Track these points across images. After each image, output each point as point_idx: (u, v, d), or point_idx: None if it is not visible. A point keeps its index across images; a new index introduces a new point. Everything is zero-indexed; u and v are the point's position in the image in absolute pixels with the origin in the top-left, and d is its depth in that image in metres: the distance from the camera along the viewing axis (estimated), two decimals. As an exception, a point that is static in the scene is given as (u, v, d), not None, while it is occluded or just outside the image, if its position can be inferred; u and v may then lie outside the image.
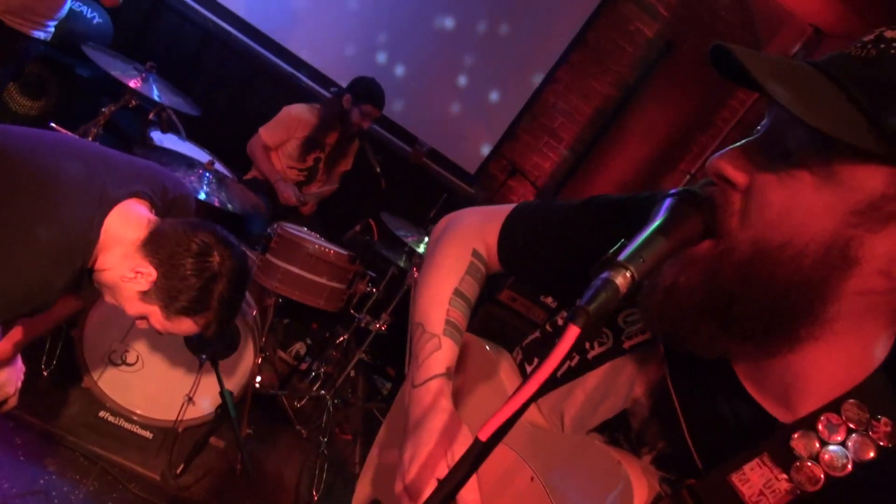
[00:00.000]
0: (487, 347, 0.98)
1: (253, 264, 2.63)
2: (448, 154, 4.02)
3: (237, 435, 2.21)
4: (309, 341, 3.20)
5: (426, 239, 2.89)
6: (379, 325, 2.81)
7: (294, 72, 3.67)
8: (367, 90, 3.24)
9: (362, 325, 2.86)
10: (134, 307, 1.41)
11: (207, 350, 2.32)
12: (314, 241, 2.60)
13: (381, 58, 3.74)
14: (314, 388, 2.91)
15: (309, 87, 3.66)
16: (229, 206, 2.53)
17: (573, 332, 0.51)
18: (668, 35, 3.93)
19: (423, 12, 3.77)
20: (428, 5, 3.78)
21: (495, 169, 4.14)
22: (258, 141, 3.25)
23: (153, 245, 1.36)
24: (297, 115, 3.27)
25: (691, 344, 0.62)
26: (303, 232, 2.70)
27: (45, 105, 2.97)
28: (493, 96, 3.99)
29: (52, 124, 2.54)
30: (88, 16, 3.02)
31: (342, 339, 3.00)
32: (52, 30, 2.46)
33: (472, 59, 3.89)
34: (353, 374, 3.13)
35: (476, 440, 0.55)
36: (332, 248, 2.61)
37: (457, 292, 0.93)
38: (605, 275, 0.54)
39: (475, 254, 0.96)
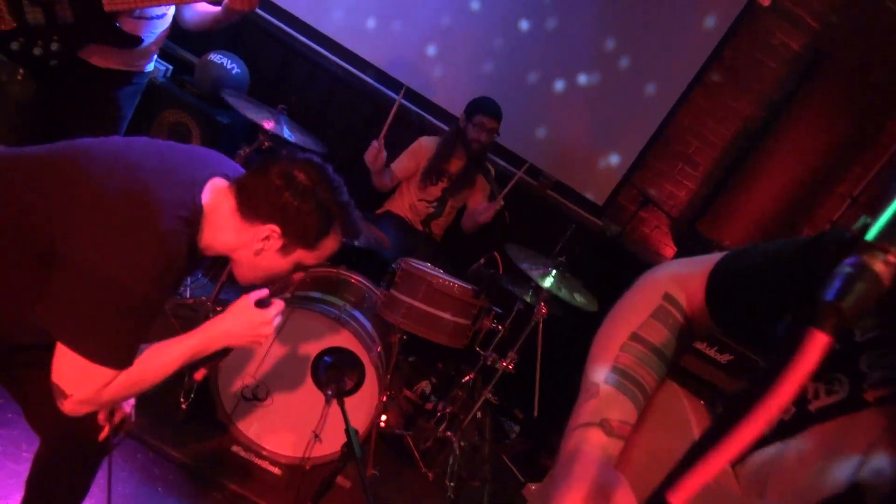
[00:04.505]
0: (682, 398, 0.81)
1: (378, 300, 2.60)
2: (574, 185, 3.86)
3: (362, 475, 2.13)
4: (434, 380, 3.11)
5: (553, 272, 2.73)
6: (506, 364, 2.67)
7: (420, 111, 3.70)
8: (476, 103, 3.20)
9: (488, 363, 2.72)
10: (285, 265, 1.42)
11: (333, 385, 2.29)
12: (438, 275, 2.52)
13: (504, 90, 3.68)
14: (440, 429, 2.80)
15: (438, 126, 3.67)
16: (355, 241, 2.52)
17: (820, 342, 0.35)
18: (817, 46, 3.58)
19: (544, 42, 3.69)
20: (548, 33, 3.70)
21: (626, 199, 3.92)
22: (392, 175, 3.29)
23: (248, 204, 1.34)
24: (426, 145, 3.30)
25: None
26: (427, 267, 2.64)
27: (190, 152, 3.16)
28: (622, 123, 3.80)
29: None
30: (228, 67, 3.22)
31: (468, 378, 2.87)
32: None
33: (597, 86, 3.74)
34: (479, 415, 2.99)
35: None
36: (457, 283, 2.52)
37: (634, 336, 0.78)
38: (852, 260, 0.37)
39: (667, 297, 0.81)
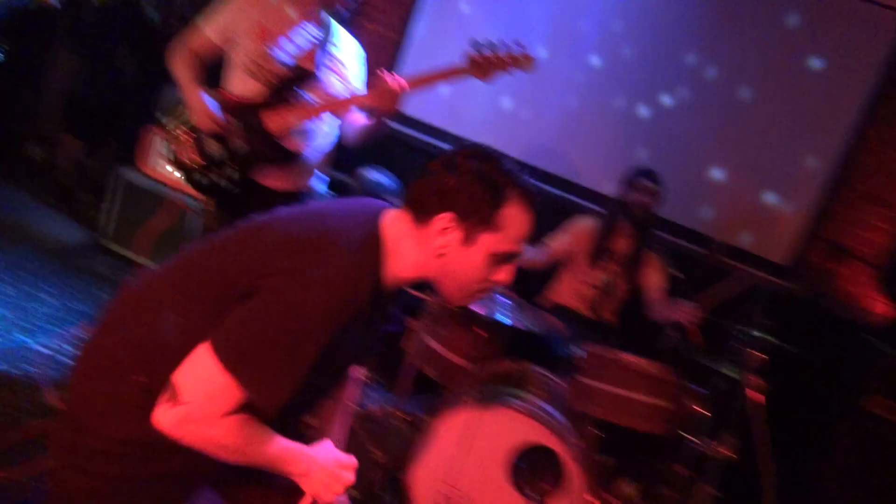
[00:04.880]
0: None
1: (564, 391, 2.40)
2: (750, 248, 3.52)
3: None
4: (636, 481, 2.77)
5: (758, 334, 2.39)
6: (725, 451, 2.31)
7: (561, 192, 3.63)
8: (634, 170, 3.06)
9: (702, 450, 2.37)
10: (477, 259, 1.22)
11: (535, 487, 2.07)
12: (629, 355, 2.29)
13: (659, 159, 3.52)
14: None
15: (582, 205, 3.56)
16: (534, 328, 2.38)
17: None
18: None
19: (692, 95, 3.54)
20: (693, 79, 3.56)
21: (814, 255, 3.49)
22: (546, 250, 3.13)
23: (419, 208, 1.23)
24: (584, 224, 3.13)
25: None
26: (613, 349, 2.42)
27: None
28: (791, 174, 3.48)
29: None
30: (381, 180, 3.35)
31: (680, 473, 2.51)
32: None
33: (755, 136, 3.49)
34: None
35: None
36: (649, 360, 2.28)
37: None
38: None
39: None
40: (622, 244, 3.06)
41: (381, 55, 3.88)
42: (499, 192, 1.20)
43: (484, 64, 2.15)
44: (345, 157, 2.98)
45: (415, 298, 2.69)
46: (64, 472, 1.22)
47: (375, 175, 3.37)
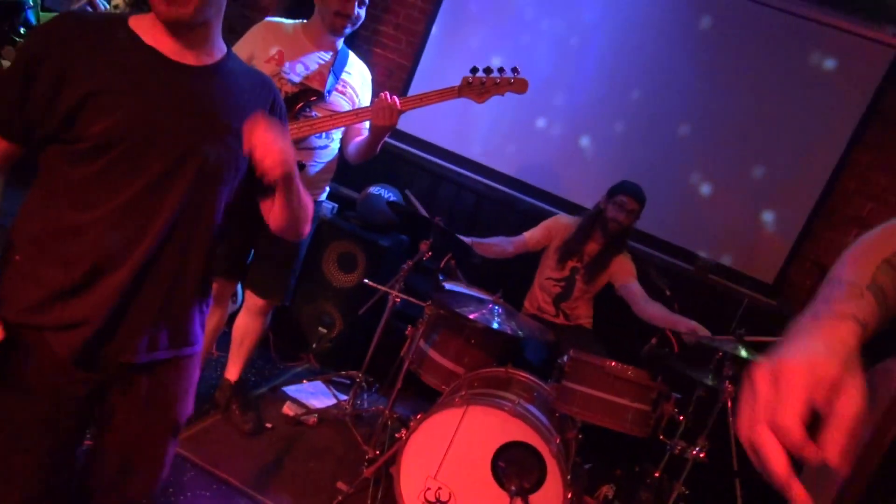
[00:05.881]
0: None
1: (549, 395, 2.55)
2: (736, 266, 3.67)
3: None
4: (615, 484, 2.91)
5: (742, 350, 2.53)
6: (696, 452, 2.45)
7: (550, 207, 3.79)
8: (619, 184, 3.17)
9: (676, 451, 2.52)
10: None
11: (515, 482, 2.23)
12: (611, 360, 2.45)
13: (650, 179, 3.70)
14: (632, 535, 2.58)
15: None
16: (520, 332, 2.54)
17: None
18: None
19: (688, 117, 3.71)
20: (689, 107, 3.73)
21: (798, 274, 3.64)
22: (520, 241, 3.29)
23: None
24: (561, 221, 3.30)
25: None
26: (597, 354, 2.58)
27: (358, 276, 3.43)
28: (778, 195, 3.63)
29: (366, 280, 2.91)
30: (385, 195, 3.54)
31: (655, 475, 2.66)
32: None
33: (748, 159, 3.65)
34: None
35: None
36: (630, 367, 2.43)
37: (887, 262, 0.76)
38: None
39: None
40: (592, 247, 3.21)
41: (394, 81, 4.11)
42: None
43: (478, 86, 2.37)
44: (351, 173, 3.18)
45: (414, 307, 2.87)
46: None
47: (379, 190, 3.57)
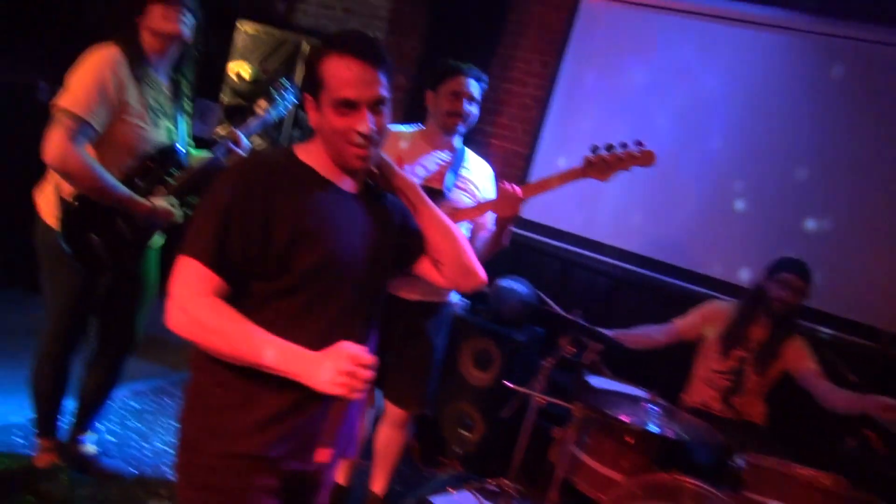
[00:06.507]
0: None
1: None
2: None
3: None
4: None
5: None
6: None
7: (693, 286, 3.56)
8: (780, 261, 2.86)
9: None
10: (329, 116, 1.38)
11: None
12: (798, 465, 2.12)
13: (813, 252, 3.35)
14: None
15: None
16: (685, 437, 2.28)
17: None
18: None
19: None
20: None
21: None
22: (671, 330, 3.03)
23: None
24: (717, 306, 3.01)
25: None
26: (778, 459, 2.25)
27: (495, 373, 3.30)
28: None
29: (505, 382, 2.77)
30: (517, 288, 3.44)
31: None
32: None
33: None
34: None
35: None
36: (825, 472, 2.09)
37: None
38: None
39: None
40: (758, 333, 2.88)
41: (513, 169, 4.10)
42: (314, 59, 1.36)
43: (601, 164, 2.26)
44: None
45: (561, 408, 2.68)
46: None
47: (510, 283, 3.47)
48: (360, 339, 1.38)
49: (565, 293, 3.80)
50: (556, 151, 4.03)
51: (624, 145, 2.28)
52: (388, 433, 2.65)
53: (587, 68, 4.02)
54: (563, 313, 2.78)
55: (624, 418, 2.37)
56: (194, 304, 1.27)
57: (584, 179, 2.31)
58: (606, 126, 3.91)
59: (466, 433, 3.39)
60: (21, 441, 2.70)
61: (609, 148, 2.28)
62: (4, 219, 3.13)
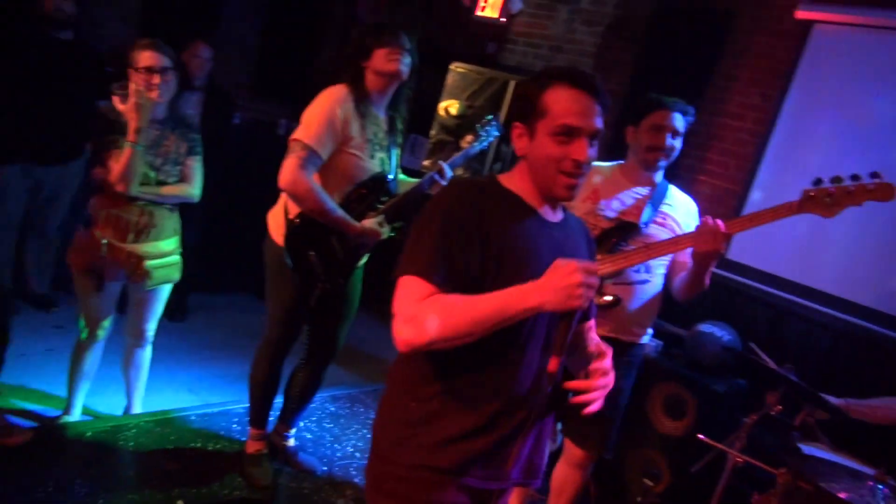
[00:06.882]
0: None
1: None
2: None
3: None
4: None
5: None
6: None
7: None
8: None
9: None
10: (543, 143, 1.41)
11: None
12: None
13: None
14: None
15: None
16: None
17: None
18: None
19: None
20: None
21: None
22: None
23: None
24: None
25: None
26: None
27: (688, 423, 3.06)
28: None
29: (700, 436, 2.56)
30: (718, 335, 3.19)
31: None
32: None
33: None
34: None
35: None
36: None
37: None
38: None
39: None
40: None
41: (722, 208, 3.82)
42: (537, 87, 1.41)
43: (824, 199, 2.02)
44: (677, 308, 2.94)
45: (762, 471, 2.42)
46: None
47: (711, 328, 3.23)
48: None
49: (777, 346, 3.42)
50: (773, 191, 3.67)
51: (855, 177, 2.02)
52: (566, 471, 2.57)
53: (816, 100, 3.63)
54: (774, 366, 2.52)
55: (842, 495, 2.06)
56: (419, 307, 1.31)
57: (802, 216, 2.08)
58: (836, 164, 3.46)
59: (651, 483, 3.18)
60: (237, 427, 3.07)
61: (836, 180, 2.04)
62: (243, 236, 3.61)
